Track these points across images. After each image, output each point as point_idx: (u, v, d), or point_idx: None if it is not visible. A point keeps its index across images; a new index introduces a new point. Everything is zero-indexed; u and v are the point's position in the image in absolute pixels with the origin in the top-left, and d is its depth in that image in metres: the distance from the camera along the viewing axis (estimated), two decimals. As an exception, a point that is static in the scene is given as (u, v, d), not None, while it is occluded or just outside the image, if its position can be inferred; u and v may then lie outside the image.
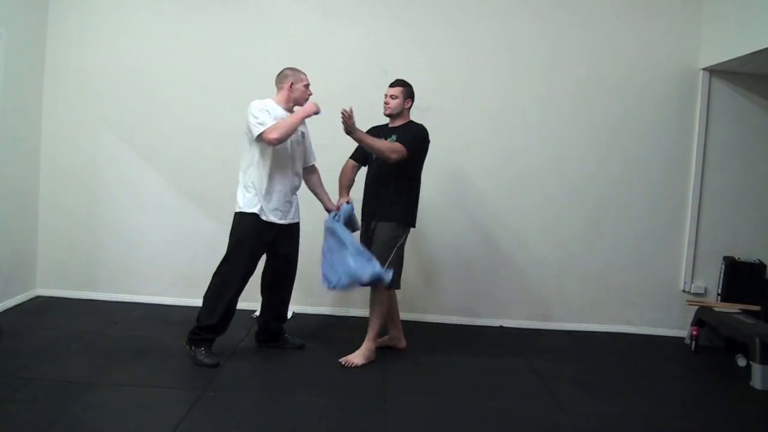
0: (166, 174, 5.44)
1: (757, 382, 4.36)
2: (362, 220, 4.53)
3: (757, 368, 4.38)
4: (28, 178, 5.33)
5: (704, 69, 5.40)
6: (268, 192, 4.17)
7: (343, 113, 4.00)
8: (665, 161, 5.49)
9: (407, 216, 4.41)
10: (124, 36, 5.40)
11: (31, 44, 5.25)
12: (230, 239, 4.20)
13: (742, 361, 4.72)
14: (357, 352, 4.33)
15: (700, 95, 5.42)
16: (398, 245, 4.35)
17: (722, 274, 5.43)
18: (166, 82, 5.40)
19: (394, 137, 4.29)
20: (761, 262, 5.38)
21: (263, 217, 4.16)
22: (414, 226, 4.48)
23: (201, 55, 5.39)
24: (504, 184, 5.49)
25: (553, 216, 5.51)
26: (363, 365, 4.28)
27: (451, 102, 5.43)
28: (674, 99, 5.46)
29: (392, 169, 4.29)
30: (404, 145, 4.21)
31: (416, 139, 4.33)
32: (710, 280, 5.52)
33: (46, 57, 5.38)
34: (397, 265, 4.37)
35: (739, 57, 4.87)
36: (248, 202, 4.16)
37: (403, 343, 4.71)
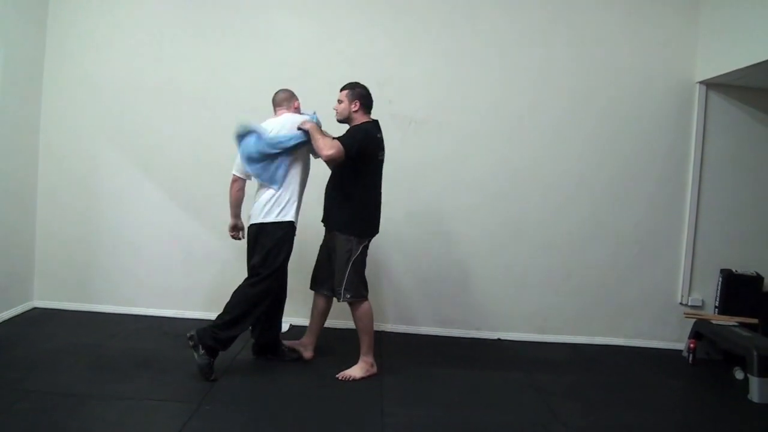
0: (164, 186, 5.44)
1: (754, 395, 4.36)
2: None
3: (754, 381, 4.38)
4: (26, 190, 5.34)
5: (701, 82, 5.42)
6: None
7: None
8: (662, 174, 5.50)
9: (358, 227, 4.27)
10: (122, 47, 5.41)
11: (30, 55, 5.27)
12: (269, 251, 4.17)
13: (739, 374, 4.72)
14: (355, 367, 4.33)
15: (697, 108, 5.44)
16: (353, 259, 4.23)
17: (719, 287, 5.44)
18: (165, 93, 5.41)
19: None
20: (758, 275, 5.39)
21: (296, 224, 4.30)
22: (371, 235, 4.38)
23: (199, 66, 5.41)
24: (500, 197, 5.49)
25: (549, 228, 5.51)
26: (362, 378, 4.28)
27: (446, 114, 5.45)
28: (671, 112, 5.48)
29: (337, 176, 4.28)
30: (341, 143, 4.07)
31: (354, 138, 4.14)
32: (707, 293, 5.52)
33: (44, 68, 5.39)
34: (357, 278, 4.28)
35: (735, 70, 4.89)
36: (290, 209, 4.22)
37: (308, 354, 4.59)
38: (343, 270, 4.24)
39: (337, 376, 4.25)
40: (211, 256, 5.33)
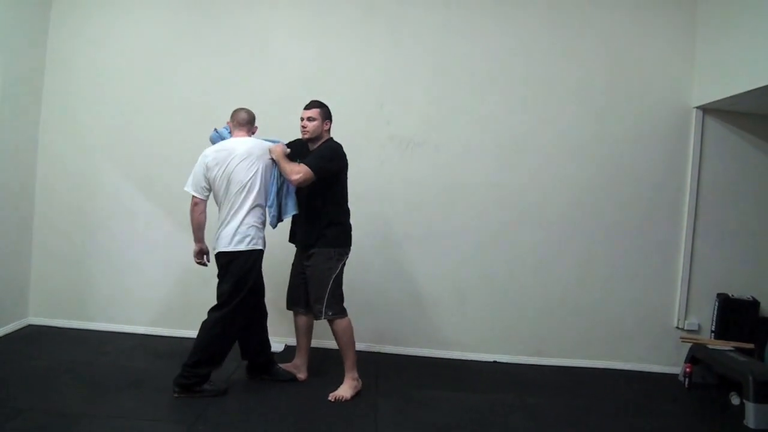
0: (160, 205, 5.44)
1: (750, 420, 4.34)
2: (296, 245, 4.53)
3: (750, 407, 4.36)
4: (23, 207, 5.34)
5: (697, 107, 5.45)
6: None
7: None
8: (658, 198, 5.51)
9: (340, 241, 4.33)
10: (122, 64, 5.45)
11: (30, 69, 5.30)
12: (239, 279, 4.14)
13: (735, 400, 4.70)
14: (343, 386, 4.32)
15: (693, 133, 5.47)
16: (334, 275, 4.26)
17: (716, 311, 5.43)
18: (163, 112, 5.44)
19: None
20: (755, 299, 5.38)
21: (263, 247, 4.25)
22: (346, 250, 4.39)
23: (198, 86, 5.44)
24: (498, 220, 5.50)
25: (546, 251, 5.52)
26: (353, 397, 4.28)
27: (444, 135, 5.46)
28: (668, 136, 5.50)
29: (310, 194, 4.27)
30: (308, 167, 4.10)
31: (323, 159, 4.19)
32: (704, 317, 5.51)
33: (44, 82, 5.42)
34: (338, 294, 4.31)
35: (732, 96, 4.91)
36: (258, 237, 4.21)
37: (302, 375, 4.58)
38: (324, 287, 4.24)
39: (329, 398, 4.23)
40: (206, 275, 5.30)
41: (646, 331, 5.53)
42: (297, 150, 4.35)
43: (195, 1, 5.48)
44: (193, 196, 4.21)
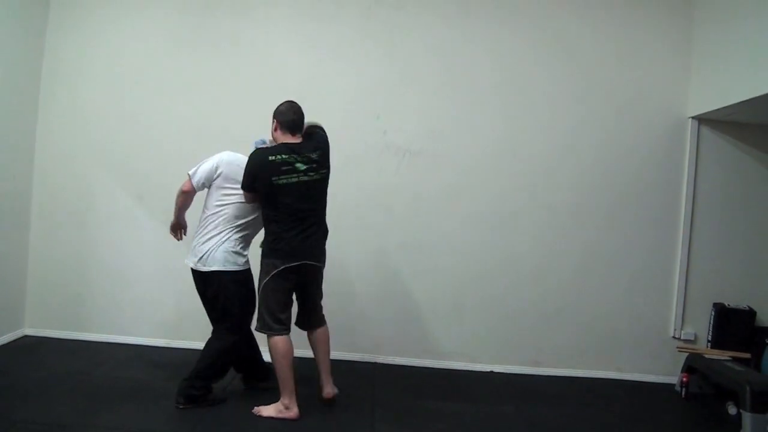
0: (157, 215, 5.41)
1: (747, 430, 4.33)
2: None
3: (747, 417, 4.35)
4: (19, 217, 5.34)
5: (693, 117, 5.46)
6: None
7: None
8: (654, 208, 5.52)
9: (266, 249, 4.02)
10: (119, 77, 5.45)
11: (26, 82, 5.31)
12: (247, 294, 4.18)
13: (732, 410, 4.69)
14: (269, 406, 4.07)
15: (689, 143, 5.48)
16: (262, 284, 4.00)
17: (712, 321, 5.43)
18: (160, 123, 5.44)
19: None
20: (751, 309, 5.39)
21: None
22: (281, 259, 3.95)
23: (195, 97, 5.44)
24: (495, 229, 5.50)
25: (543, 261, 5.52)
26: (269, 417, 4.03)
27: (441, 145, 5.46)
28: (663, 147, 5.51)
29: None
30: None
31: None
32: (700, 327, 5.51)
33: (40, 95, 5.42)
34: (264, 308, 4.02)
35: (727, 106, 4.92)
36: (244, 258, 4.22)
37: (326, 392, 4.29)
38: (258, 295, 4.14)
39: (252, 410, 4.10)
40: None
41: (642, 340, 5.53)
42: None
43: (194, 8, 5.49)
44: (189, 183, 4.15)
